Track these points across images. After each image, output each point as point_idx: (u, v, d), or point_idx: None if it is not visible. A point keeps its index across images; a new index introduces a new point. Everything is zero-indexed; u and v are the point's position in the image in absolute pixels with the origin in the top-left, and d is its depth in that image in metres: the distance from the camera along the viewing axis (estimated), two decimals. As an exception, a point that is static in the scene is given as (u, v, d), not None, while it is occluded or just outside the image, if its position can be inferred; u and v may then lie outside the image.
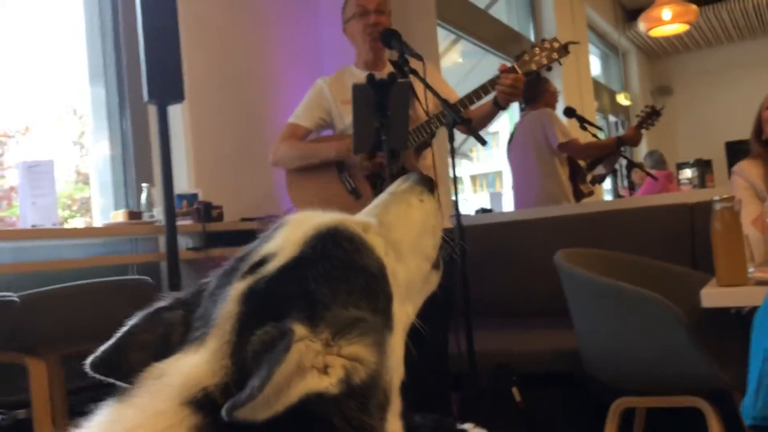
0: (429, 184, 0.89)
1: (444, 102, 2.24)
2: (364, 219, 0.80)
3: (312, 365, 0.61)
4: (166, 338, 0.72)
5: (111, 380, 0.71)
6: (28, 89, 3.08)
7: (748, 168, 2.39)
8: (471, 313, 2.32)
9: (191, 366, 0.63)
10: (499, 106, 2.53)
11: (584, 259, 2.23)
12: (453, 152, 2.29)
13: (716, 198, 1.77)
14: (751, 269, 1.82)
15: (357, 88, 2.15)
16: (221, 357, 0.63)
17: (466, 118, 2.23)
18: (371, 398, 0.66)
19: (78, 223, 3.27)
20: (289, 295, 0.65)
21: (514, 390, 2.72)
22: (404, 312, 0.77)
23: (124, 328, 0.73)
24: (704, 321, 2.02)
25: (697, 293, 1.72)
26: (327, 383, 0.61)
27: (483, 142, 2.20)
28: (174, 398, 0.61)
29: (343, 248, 0.71)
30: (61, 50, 3.17)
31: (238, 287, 0.68)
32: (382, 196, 0.88)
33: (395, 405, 0.71)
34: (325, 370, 0.62)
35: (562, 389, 2.80)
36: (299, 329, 0.61)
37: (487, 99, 2.54)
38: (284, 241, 0.71)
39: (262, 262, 0.70)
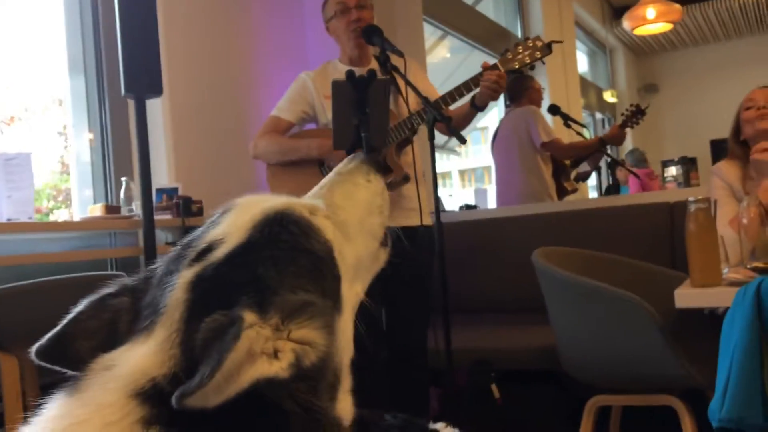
0: (376, 164, 0.89)
1: (424, 99, 2.24)
2: (310, 201, 0.80)
3: (262, 351, 0.61)
4: (112, 325, 0.72)
5: (57, 368, 0.70)
6: (12, 79, 3.05)
7: (726, 168, 2.40)
8: (451, 310, 2.33)
9: (139, 357, 0.63)
10: (476, 107, 2.53)
11: (562, 258, 2.24)
12: (433, 149, 2.29)
13: (691, 199, 1.78)
14: (725, 270, 1.83)
15: (336, 85, 2.14)
16: (170, 347, 0.62)
17: (446, 116, 2.23)
18: (321, 380, 0.66)
19: (62, 214, 3.25)
20: (237, 281, 0.65)
21: (493, 387, 2.74)
22: (353, 292, 0.78)
23: (70, 315, 0.72)
24: (680, 321, 2.03)
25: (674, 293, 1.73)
26: (277, 368, 0.61)
27: (462, 141, 2.20)
28: (121, 390, 0.60)
29: (290, 232, 0.71)
30: (43, 40, 3.14)
31: (186, 274, 0.67)
32: (329, 176, 0.88)
33: (345, 383, 0.72)
34: (275, 354, 0.62)
35: (540, 386, 2.81)
36: (249, 316, 0.61)
37: (469, 97, 2.54)
38: (231, 226, 0.71)
39: (209, 248, 0.69)
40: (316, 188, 0.86)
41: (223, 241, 0.69)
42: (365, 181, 0.87)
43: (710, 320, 1.98)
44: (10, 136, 3.11)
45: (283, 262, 0.67)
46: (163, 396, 0.59)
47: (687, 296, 1.71)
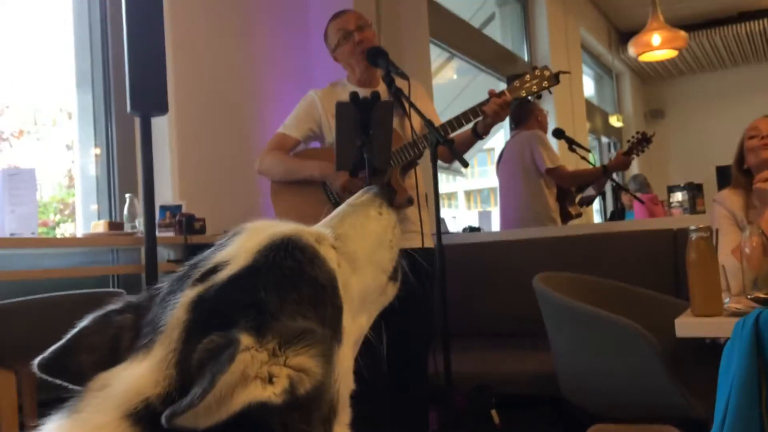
0: (388, 198, 0.90)
1: (428, 122, 2.25)
2: (319, 230, 0.80)
3: (256, 375, 0.61)
4: (115, 341, 0.72)
5: (58, 381, 0.70)
6: (21, 92, 3.08)
7: (728, 197, 2.39)
8: (452, 333, 2.31)
9: (135, 376, 0.63)
10: (477, 134, 2.54)
11: (563, 284, 2.23)
12: (436, 171, 2.29)
13: (692, 228, 1.78)
14: (727, 300, 1.82)
15: (340, 106, 2.15)
16: (166, 366, 0.62)
17: (449, 139, 2.24)
18: (315, 410, 0.65)
19: (68, 227, 3.26)
20: (237, 304, 0.65)
21: (493, 412, 2.72)
22: (356, 324, 0.77)
23: (74, 330, 0.72)
24: (681, 350, 2.01)
25: (676, 322, 1.72)
26: (270, 393, 0.61)
27: (465, 164, 2.20)
28: (114, 410, 0.60)
29: (294, 258, 0.71)
30: (52, 53, 3.17)
31: (188, 294, 0.67)
32: (342, 208, 0.88)
33: (342, 416, 0.71)
34: (269, 379, 0.62)
35: (541, 412, 2.79)
36: (245, 339, 0.61)
37: (474, 123, 2.55)
38: (238, 249, 0.71)
39: (214, 269, 0.69)
40: (327, 218, 0.86)
41: (228, 263, 0.69)
42: (377, 214, 0.87)
43: (712, 350, 1.96)
44: (19, 150, 3.13)
45: (285, 288, 0.68)
46: (155, 417, 0.58)
47: (687, 325, 1.69)
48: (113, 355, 0.69)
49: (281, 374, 0.63)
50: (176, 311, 0.66)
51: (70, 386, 0.68)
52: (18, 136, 3.14)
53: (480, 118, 2.49)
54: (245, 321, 0.63)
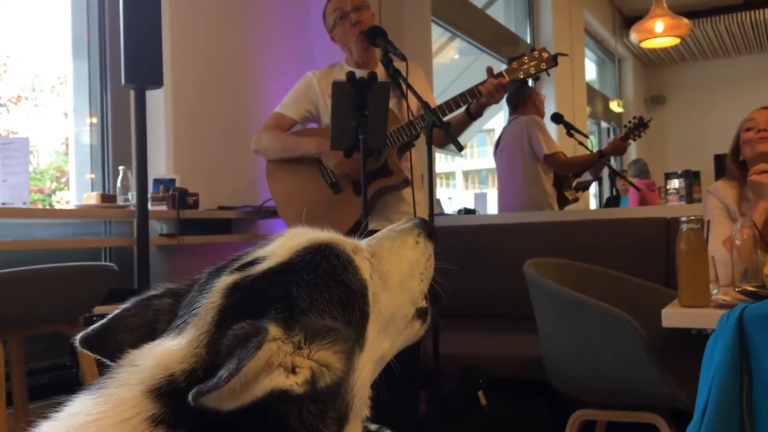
0: (429, 229, 0.92)
1: (424, 104, 2.24)
2: (356, 241, 0.84)
3: (280, 364, 0.64)
4: (153, 324, 0.76)
5: (98, 357, 0.75)
6: (21, 58, 3.05)
7: (722, 188, 2.39)
8: (442, 314, 2.32)
9: (163, 352, 0.66)
10: (470, 114, 2.53)
11: (554, 269, 2.23)
12: (431, 153, 2.28)
13: (683, 219, 1.77)
14: (715, 291, 1.82)
15: (337, 86, 2.14)
16: (196, 345, 0.65)
17: (445, 122, 2.23)
18: (331, 408, 0.68)
19: (64, 195, 3.25)
20: (270, 295, 0.69)
21: (480, 393, 2.73)
22: (380, 342, 0.80)
23: (116, 311, 0.77)
24: (669, 339, 2.03)
25: (664, 311, 1.72)
26: (293, 382, 0.65)
27: (460, 148, 2.20)
28: (139, 386, 0.63)
29: (330, 262, 0.75)
30: (52, 20, 3.13)
31: (225, 281, 0.71)
32: (382, 231, 0.91)
33: (354, 425, 0.73)
34: (293, 369, 0.65)
35: (528, 396, 2.81)
36: (273, 329, 0.65)
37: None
38: (278, 247, 0.76)
39: (253, 262, 0.74)
40: (368, 239, 0.89)
41: (266, 258, 0.74)
42: (413, 242, 0.90)
43: (699, 340, 1.98)
44: (16, 115, 3.11)
45: (317, 287, 0.71)
46: (177, 393, 0.61)
47: (674, 316, 1.70)
48: (150, 336, 0.73)
49: (304, 366, 0.66)
50: (212, 295, 0.70)
51: (108, 362, 0.73)
52: (16, 101, 3.12)
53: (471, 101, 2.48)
54: (275, 312, 0.67)
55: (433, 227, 0.93)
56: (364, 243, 0.86)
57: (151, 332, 0.74)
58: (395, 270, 0.85)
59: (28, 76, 3.14)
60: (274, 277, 0.71)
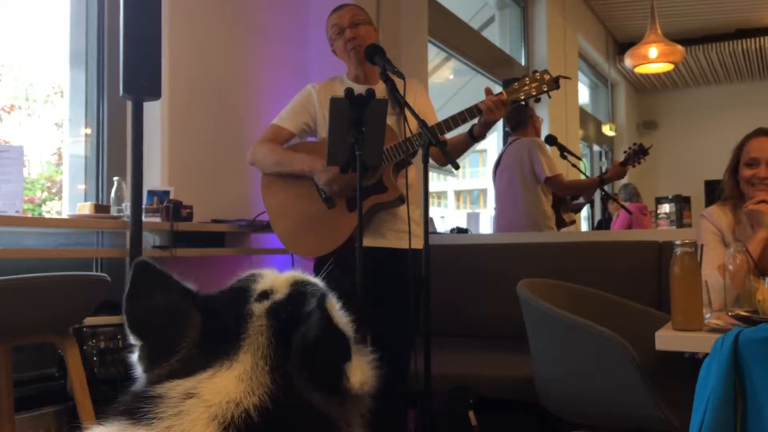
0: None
1: (421, 122, 2.24)
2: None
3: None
4: (179, 321, 0.73)
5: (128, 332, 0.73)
6: (13, 67, 3.04)
7: (717, 213, 2.40)
8: (434, 333, 2.32)
9: (226, 384, 0.64)
10: (473, 137, 2.54)
11: (546, 290, 2.23)
12: (427, 172, 2.28)
13: (677, 242, 1.78)
14: (707, 315, 1.83)
15: (334, 102, 2.14)
16: (259, 374, 0.66)
17: (441, 141, 2.23)
18: (358, 413, 0.72)
19: (55, 206, 3.23)
20: (299, 312, 0.72)
21: (471, 413, 2.72)
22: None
23: (169, 279, 0.77)
24: (661, 362, 2.03)
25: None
26: (354, 383, 0.69)
27: (456, 167, 2.20)
28: (212, 421, 0.61)
29: (313, 291, 0.78)
30: (47, 29, 3.13)
31: (259, 307, 0.74)
32: None
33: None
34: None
35: (519, 416, 2.80)
36: None
37: (468, 125, 2.55)
38: (273, 282, 0.79)
39: (265, 293, 0.77)
40: None
41: (274, 290, 0.77)
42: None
43: (691, 364, 1.98)
44: (9, 124, 3.10)
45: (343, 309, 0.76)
46: (252, 425, 0.61)
47: (667, 339, 1.70)
48: (167, 331, 0.71)
49: (356, 371, 0.70)
50: (255, 319, 0.72)
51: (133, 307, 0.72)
52: (9, 110, 3.11)
53: (476, 120, 2.49)
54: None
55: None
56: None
57: (170, 326, 0.72)
58: None
59: (22, 85, 3.13)
60: (296, 299, 0.75)
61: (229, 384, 0.64)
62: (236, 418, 0.61)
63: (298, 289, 0.78)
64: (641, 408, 1.89)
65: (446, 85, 7.04)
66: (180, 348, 0.70)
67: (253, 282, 0.79)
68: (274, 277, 0.81)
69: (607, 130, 9.62)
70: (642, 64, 6.02)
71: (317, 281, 0.82)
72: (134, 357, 0.73)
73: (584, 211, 7.16)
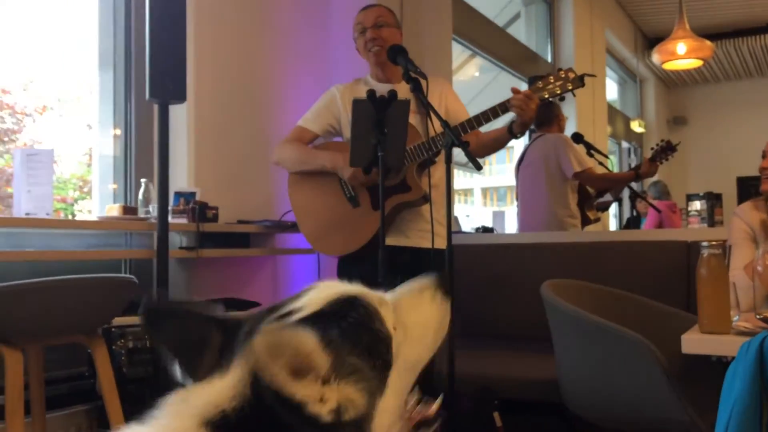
0: (446, 286, 0.98)
1: (443, 122, 2.24)
2: (382, 294, 0.90)
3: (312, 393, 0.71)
4: (200, 343, 0.82)
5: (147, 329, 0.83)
6: (47, 69, 3.10)
7: (749, 211, 2.35)
8: (459, 334, 2.31)
9: (213, 391, 0.72)
10: (512, 133, 2.51)
11: (571, 292, 2.21)
12: (449, 172, 2.27)
13: (704, 244, 1.75)
14: (736, 317, 1.80)
15: (357, 103, 2.15)
16: (243, 385, 0.71)
17: (464, 142, 2.22)
18: None
19: (86, 204, 3.29)
20: None
21: (496, 415, 2.71)
22: (399, 391, 0.85)
23: (189, 307, 0.85)
24: (689, 365, 1.99)
25: (684, 336, 1.70)
26: (322, 409, 0.71)
27: (478, 167, 2.19)
28: (193, 418, 0.69)
29: (358, 311, 0.82)
30: (79, 32, 3.19)
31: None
32: (404, 287, 0.97)
33: None
34: (321, 399, 0.72)
35: (544, 418, 2.78)
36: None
37: (494, 123, 2.53)
38: (310, 300, 0.83)
39: (289, 313, 0.81)
40: (390, 293, 0.95)
41: (300, 309, 0.81)
42: (430, 297, 0.96)
43: (718, 368, 1.95)
44: (41, 125, 3.16)
45: (346, 332, 0.78)
46: (230, 427, 0.69)
47: (694, 342, 1.67)
48: (191, 351, 0.80)
49: (332, 397, 0.73)
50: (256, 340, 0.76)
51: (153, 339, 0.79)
52: (41, 111, 3.17)
53: (513, 119, 2.47)
54: None
55: (450, 285, 0.98)
56: (387, 296, 0.92)
57: (194, 347, 0.80)
58: (415, 323, 0.91)
59: (54, 86, 3.19)
60: (309, 323, 0.76)
61: (214, 391, 0.72)
62: (216, 417, 0.69)
63: (325, 310, 0.80)
64: (668, 412, 1.86)
65: (471, 82, 7.01)
66: (201, 367, 0.79)
67: (294, 298, 0.84)
68: (317, 294, 0.84)
69: (636, 127, 9.49)
70: (670, 60, 5.92)
71: (358, 304, 0.82)
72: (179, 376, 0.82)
73: (612, 209, 7.08)
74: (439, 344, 0.95)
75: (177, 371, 0.81)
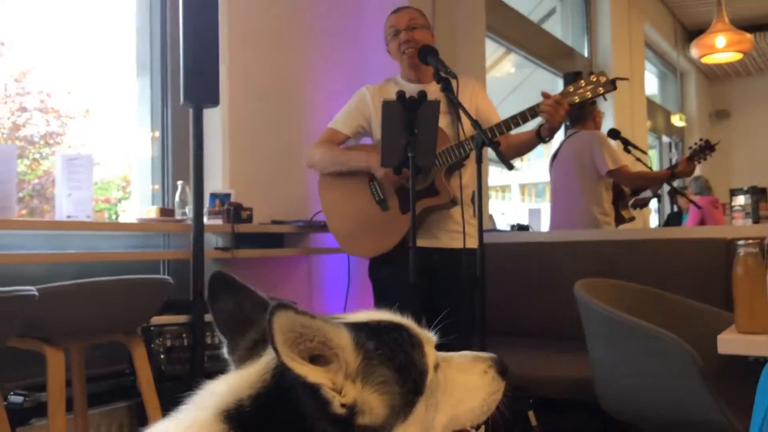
0: (503, 368, 0.94)
1: (474, 122, 2.24)
2: (431, 335, 0.88)
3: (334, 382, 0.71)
4: (244, 328, 0.83)
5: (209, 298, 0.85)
6: (90, 73, 3.19)
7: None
8: (492, 333, 2.31)
9: (235, 380, 0.73)
10: (540, 137, 2.50)
11: (605, 291, 2.19)
12: (480, 172, 2.27)
13: (741, 242, 1.72)
14: (774, 317, 1.76)
15: (387, 105, 2.16)
16: (264, 372, 0.72)
17: (495, 141, 2.22)
18: None
19: (128, 204, 3.37)
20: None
21: (531, 414, 2.70)
22: (427, 422, 0.81)
23: (251, 293, 0.86)
24: (726, 365, 1.96)
25: (721, 336, 1.67)
26: (337, 400, 0.71)
27: (510, 167, 2.18)
28: (212, 409, 0.70)
29: (401, 333, 0.81)
30: (120, 38, 3.27)
31: None
32: (458, 353, 0.93)
33: None
34: (340, 391, 0.71)
35: (580, 417, 2.76)
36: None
37: (525, 127, 2.52)
38: (362, 314, 0.84)
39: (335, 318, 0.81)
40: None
41: (347, 318, 0.82)
42: (482, 370, 0.92)
43: (757, 367, 1.91)
44: (85, 128, 3.25)
45: (384, 344, 0.78)
46: (243, 416, 0.69)
47: (730, 342, 1.65)
48: (234, 332, 0.83)
49: (350, 393, 0.72)
50: None
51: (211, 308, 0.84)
52: (85, 114, 3.25)
53: (542, 122, 2.46)
54: None
55: (507, 368, 0.94)
56: (441, 354, 0.89)
57: (240, 324, 0.82)
58: (458, 382, 0.87)
59: (96, 90, 3.27)
60: (349, 327, 0.76)
61: (236, 380, 0.73)
62: (231, 407, 0.69)
63: (369, 324, 0.80)
64: (704, 412, 1.84)
65: (507, 79, 6.96)
66: (240, 348, 0.80)
67: (349, 316, 0.84)
68: (368, 314, 0.84)
69: (677, 121, 9.30)
70: (709, 54, 5.76)
71: (403, 329, 0.82)
72: (225, 353, 0.83)
73: (653, 205, 6.95)
74: (482, 419, 0.90)
75: (227, 349, 0.83)
